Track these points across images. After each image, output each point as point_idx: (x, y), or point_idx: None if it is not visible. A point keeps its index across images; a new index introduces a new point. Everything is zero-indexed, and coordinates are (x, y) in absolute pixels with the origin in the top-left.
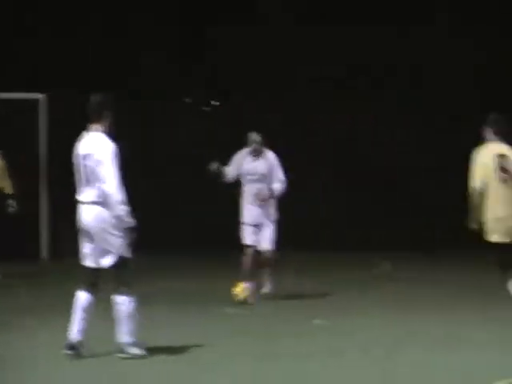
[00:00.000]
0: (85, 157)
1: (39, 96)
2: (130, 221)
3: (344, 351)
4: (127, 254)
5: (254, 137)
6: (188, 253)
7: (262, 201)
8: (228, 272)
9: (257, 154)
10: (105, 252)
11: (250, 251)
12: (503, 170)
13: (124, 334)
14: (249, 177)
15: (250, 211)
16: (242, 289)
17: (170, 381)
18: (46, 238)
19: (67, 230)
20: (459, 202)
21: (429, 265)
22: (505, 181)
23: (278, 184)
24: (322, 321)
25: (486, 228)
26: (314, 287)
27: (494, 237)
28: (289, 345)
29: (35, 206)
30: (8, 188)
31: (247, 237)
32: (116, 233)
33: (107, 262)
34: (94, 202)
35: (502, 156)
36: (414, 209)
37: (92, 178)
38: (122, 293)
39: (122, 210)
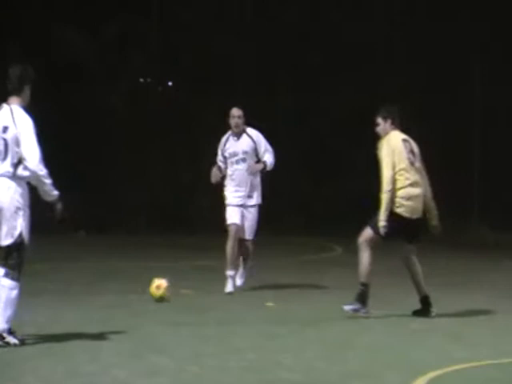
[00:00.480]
0: (2, 129)
1: None
2: (56, 193)
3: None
4: (26, 238)
5: (236, 111)
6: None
7: (253, 172)
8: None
9: (238, 130)
10: (6, 230)
11: (233, 228)
12: (411, 152)
13: (0, 321)
14: (232, 158)
15: (234, 194)
16: (158, 287)
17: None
18: None
19: None
20: None
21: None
22: (412, 163)
23: (268, 155)
24: (273, 303)
25: (394, 203)
26: (264, 270)
27: (400, 210)
28: (241, 326)
29: None
30: None
31: (229, 215)
32: (20, 213)
33: (5, 241)
34: (4, 176)
35: (406, 140)
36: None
37: (7, 152)
38: (7, 276)
39: (48, 183)
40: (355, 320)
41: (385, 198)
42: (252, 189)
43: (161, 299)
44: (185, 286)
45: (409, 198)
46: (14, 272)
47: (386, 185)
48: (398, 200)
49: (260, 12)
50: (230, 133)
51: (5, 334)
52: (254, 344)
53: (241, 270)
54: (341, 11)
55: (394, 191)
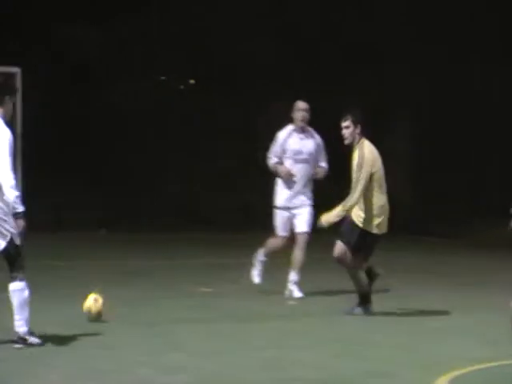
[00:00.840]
0: None
1: (17, 70)
2: (20, 210)
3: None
4: (18, 240)
5: (302, 105)
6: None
7: (320, 177)
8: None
9: (304, 124)
10: None
11: (280, 240)
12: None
13: (19, 324)
14: (295, 156)
15: (287, 194)
16: (94, 303)
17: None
18: None
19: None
20: None
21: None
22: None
23: (324, 164)
24: (295, 301)
25: (369, 219)
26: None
27: (376, 228)
28: (259, 323)
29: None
30: None
31: (280, 226)
32: (5, 218)
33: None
34: None
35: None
36: None
37: None
38: (16, 279)
39: (13, 195)
40: (372, 318)
41: (350, 205)
42: (307, 191)
43: (94, 315)
44: (202, 284)
45: (382, 213)
46: (20, 273)
47: (358, 195)
48: (374, 216)
49: (263, 12)
50: (292, 128)
51: (27, 337)
52: (272, 341)
53: (295, 276)
54: (343, 11)
55: (370, 206)
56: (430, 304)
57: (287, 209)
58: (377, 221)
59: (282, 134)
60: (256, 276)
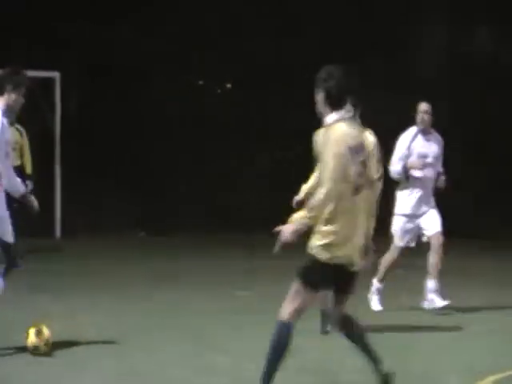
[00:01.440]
0: None
1: (56, 74)
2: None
3: None
4: (9, 239)
5: (422, 106)
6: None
7: (442, 186)
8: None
9: (424, 126)
10: None
11: (397, 251)
12: None
13: None
14: (420, 160)
15: (414, 200)
16: (37, 336)
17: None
18: (59, 216)
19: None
20: None
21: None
22: None
23: (440, 169)
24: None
25: None
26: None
27: None
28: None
29: (50, 185)
30: (28, 167)
31: (401, 235)
32: None
33: None
34: None
35: None
36: None
37: None
38: None
39: None
40: (414, 322)
41: None
42: (432, 196)
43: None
44: (238, 286)
45: None
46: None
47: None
48: None
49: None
50: (417, 129)
51: None
52: (314, 344)
53: (434, 284)
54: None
55: None
56: (472, 307)
57: (414, 217)
58: None
59: (406, 137)
60: (376, 303)
